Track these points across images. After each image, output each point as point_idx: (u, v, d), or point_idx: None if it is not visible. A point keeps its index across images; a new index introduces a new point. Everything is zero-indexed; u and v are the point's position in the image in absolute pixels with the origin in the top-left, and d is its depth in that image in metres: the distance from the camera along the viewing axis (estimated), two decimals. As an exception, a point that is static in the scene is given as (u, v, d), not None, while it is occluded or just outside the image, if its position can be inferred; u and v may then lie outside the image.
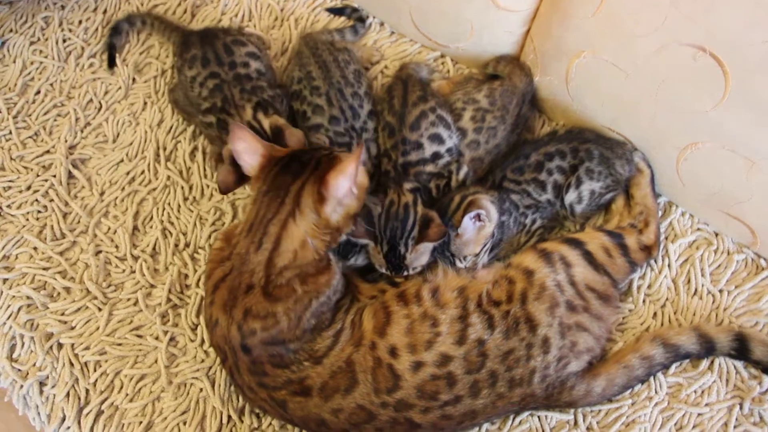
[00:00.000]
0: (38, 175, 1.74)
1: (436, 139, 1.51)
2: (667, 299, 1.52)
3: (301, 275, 1.30)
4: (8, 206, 1.70)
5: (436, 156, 1.50)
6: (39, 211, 1.70)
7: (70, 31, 1.92)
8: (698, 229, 1.57)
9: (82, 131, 1.79)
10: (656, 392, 1.42)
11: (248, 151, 1.34)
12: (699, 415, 1.41)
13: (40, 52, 1.90)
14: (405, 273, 1.42)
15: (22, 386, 1.55)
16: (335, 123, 1.56)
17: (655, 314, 1.50)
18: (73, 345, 1.57)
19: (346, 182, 1.25)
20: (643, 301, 1.52)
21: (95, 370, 1.54)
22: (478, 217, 1.35)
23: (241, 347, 1.30)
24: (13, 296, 1.61)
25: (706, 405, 1.42)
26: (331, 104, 1.57)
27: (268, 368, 1.30)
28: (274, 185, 1.31)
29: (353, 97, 1.60)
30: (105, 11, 1.94)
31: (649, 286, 1.53)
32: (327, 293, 1.33)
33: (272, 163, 1.34)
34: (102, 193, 1.71)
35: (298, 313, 1.29)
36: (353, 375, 1.27)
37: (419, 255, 1.40)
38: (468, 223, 1.35)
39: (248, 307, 1.29)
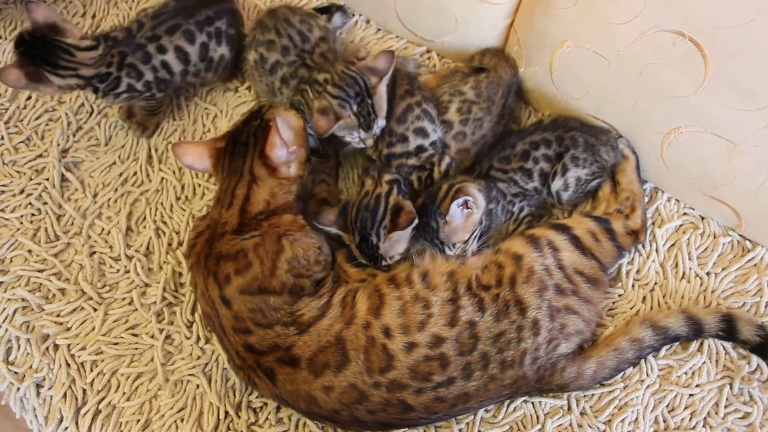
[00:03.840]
0: (31, 179, 1.75)
1: (421, 132, 1.52)
2: (655, 283, 1.54)
3: (267, 214, 1.41)
4: (2, 210, 1.72)
5: (419, 149, 1.52)
6: (33, 214, 1.71)
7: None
8: (684, 213, 1.60)
9: (74, 135, 1.81)
10: (648, 375, 1.44)
11: (197, 160, 1.47)
12: (690, 395, 1.44)
13: (30, 58, 1.91)
14: (383, 262, 1.44)
15: (19, 389, 1.56)
16: (286, 53, 1.61)
17: (644, 298, 1.53)
18: (69, 346, 1.58)
19: (281, 150, 1.39)
20: (632, 285, 1.54)
21: (92, 370, 1.56)
22: (465, 204, 1.37)
23: (221, 299, 1.34)
24: (9, 299, 1.62)
25: (697, 386, 1.44)
26: (279, 34, 1.62)
27: (251, 325, 1.33)
28: (230, 170, 1.44)
29: (301, 23, 1.64)
30: (94, 16, 1.96)
31: (638, 271, 1.55)
32: (300, 245, 1.39)
33: (220, 155, 1.46)
34: (95, 195, 1.73)
35: (270, 255, 1.35)
36: (344, 352, 1.29)
37: (394, 244, 1.42)
38: (456, 211, 1.37)
39: (220, 251, 1.36)
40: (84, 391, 1.55)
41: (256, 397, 1.51)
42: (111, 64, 1.59)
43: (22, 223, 1.70)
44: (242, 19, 1.79)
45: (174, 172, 1.74)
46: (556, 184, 1.50)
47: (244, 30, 1.79)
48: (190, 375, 1.54)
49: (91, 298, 1.61)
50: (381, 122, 1.49)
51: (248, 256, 1.34)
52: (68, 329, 1.60)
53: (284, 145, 1.38)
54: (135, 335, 1.58)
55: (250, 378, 1.38)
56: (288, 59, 1.61)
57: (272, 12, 1.68)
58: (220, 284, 1.34)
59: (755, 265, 1.54)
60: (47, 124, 1.82)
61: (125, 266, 1.64)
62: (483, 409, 1.43)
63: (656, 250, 1.56)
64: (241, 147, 1.44)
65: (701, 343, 1.46)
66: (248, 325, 1.33)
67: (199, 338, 1.56)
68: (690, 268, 1.54)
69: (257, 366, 1.34)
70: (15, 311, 1.62)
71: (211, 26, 1.67)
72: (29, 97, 1.86)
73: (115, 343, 1.58)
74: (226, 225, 1.39)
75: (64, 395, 1.54)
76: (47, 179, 1.74)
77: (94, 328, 1.59)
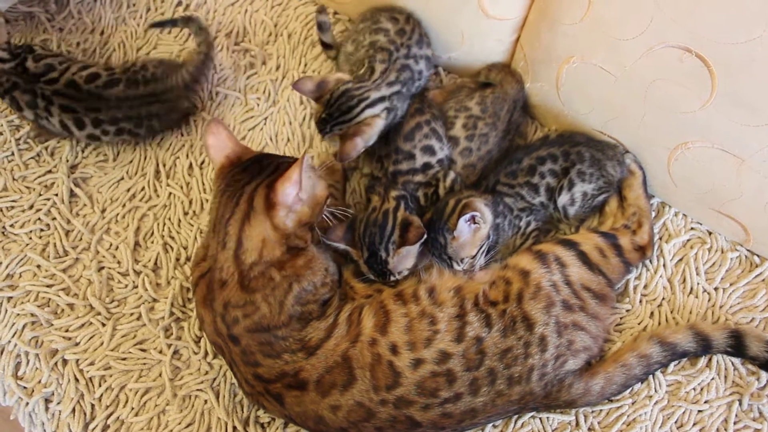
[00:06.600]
0: (41, 195, 1.76)
1: (428, 150, 1.53)
2: (663, 299, 1.54)
3: (277, 264, 1.33)
4: (11, 225, 1.73)
5: (426, 166, 1.53)
6: (42, 230, 1.72)
7: (69, 52, 1.94)
8: (692, 228, 1.59)
9: (83, 151, 1.82)
10: (656, 391, 1.43)
11: (216, 147, 1.41)
12: (699, 412, 1.43)
13: (40, 74, 1.92)
14: (391, 278, 1.44)
15: (27, 403, 1.56)
16: (391, 41, 1.62)
17: (652, 314, 1.52)
18: (77, 361, 1.58)
19: (292, 189, 1.29)
20: (640, 301, 1.53)
21: (100, 385, 1.56)
22: (473, 219, 1.38)
23: (229, 337, 1.34)
24: (18, 314, 1.63)
25: (706, 402, 1.43)
26: (395, 21, 1.65)
27: (260, 357, 1.32)
28: (231, 183, 1.37)
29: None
30: (102, 32, 1.97)
31: (646, 286, 1.54)
32: (309, 278, 1.36)
33: (235, 164, 1.40)
34: (103, 210, 1.74)
35: (278, 299, 1.32)
36: (350, 371, 1.29)
37: (402, 259, 1.43)
38: (463, 226, 1.37)
39: (227, 300, 1.33)
40: (92, 406, 1.55)
41: (264, 413, 1.51)
42: (2, 84, 1.68)
43: (31, 238, 1.71)
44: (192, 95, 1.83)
45: (182, 187, 1.74)
46: (563, 199, 1.50)
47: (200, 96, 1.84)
48: (198, 390, 1.54)
49: (99, 314, 1.62)
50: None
51: (256, 304, 1.32)
52: (77, 344, 1.60)
53: (298, 185, 1.29)
54: (143, 350, 1.59)
55: (260, 402, 1.38)
56: (386, 44, 1.61)
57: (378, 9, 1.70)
58: (228, 325, 1.33)
59: (763, 280, 1.53)
60: (58, 141, 1.83)
61: (133, 281, 1.65)
62: (491, 424, 1.42)
63: (664, 266, 1.55)
64: (257, 167, 1.38)
65: (710, 359, 1.45)
66: (257, 358, 1.32)
67: (206, 353, 1.56)
68: (698, 284, 1.54)
69: (266, 392, 1.34)
70: (24, 326, 1.62)
71: (115, 125, 1.70)
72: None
73: (124, 359, 1.58)
74: (223, 271, 1.34)
75: (73, 410, 1.54)
76: (56, 195, 1.75)
77: (102, 343, 1.59)
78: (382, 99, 1.52)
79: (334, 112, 1.49)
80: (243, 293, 1.32)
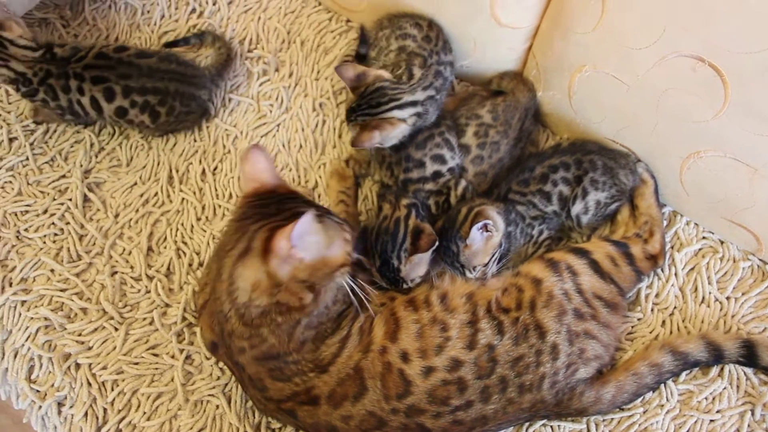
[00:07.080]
0: (54, 199, 1.77)
1: (438, 159, 1.54)
2: (675, 307, 1.53)
3: (275, 308, 1.24)
4: (25, 230, 1.73)
5: (436, 175, 1.53)
6: (55, 234, 1.73)
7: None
8: (703, 237, 1.59)
9: (96, 156, 1.83)
10: (667, 400, 1.43)
11: (248, 176, 1.31)
12: (711, 421, 1.42)
13: (55, 80, 1.94)
14: (404, 286, 1.45)
15: (40, 407, 1.57)
16: (421, 47, 1.63)
17: (663, 322, 1.52)
18: (90, 365, 1.59)
19: (285, 244, 1.15)
20: (652, 309, 1.53)
21: (113, 390, 1.56)
22: (485, 227, 1.38)
23: (236, 365, 1.33)
24: (31, 318, 1.63)
25: (718, 411, 1.43)
26: (419, 28, 1.66)
27: (268, 382, 1.31)
28: (246, 215, 1.27)
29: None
30: (116, 39, 1.98)
31: (657, 295, 1.54)
32: (319, 303, 1.29)
33: (258, 197, 1.29)
34: (117, 215, 1.74)
35: (287, 331, 1.27)
36: (362, 382, 1.29)
37: (415, 266, 1.43)
38: (476, 234, 1.38)
39: (231, 331, 1.29)
40: (105, 410, 1.55)
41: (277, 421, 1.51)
42: (36, 74, 1.70)
43: (45, 242, 1.72)
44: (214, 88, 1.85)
45: (194, 193, 1.75)
46: (576, 208, 1.51)
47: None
48: (209, 395, 1.54)
49: (112, 318, 1.62)
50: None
51: (262, 336, 1.27)
52: (90, 348, 1.60)
53: (289, 242, 1.15)
54: (155, 355, 1.59)
55: (273, 416, 1.40)
56: (418, 49, 1.63)
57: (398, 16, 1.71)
58: (233, 352, 1.31)
59: (776, 290, 1.53)
60: (72, 146, 1.84)
61: (146, 286, 1.66)
62: (501, 432, 1.43)
63: (675, 275, 1.55)
64: (276, 207, 1.26)
65: (721, 369, 1.45)
66: (265, 384, 1.31)
67: (218, 359, 1.57)
68: (710, 293, 1.53)
69: (278, 409, 1.34)
70: (38, 330, 1.62)
71: (143, 96, 1.71)
72: (54, 119, 1.89)
73: (136, 363, 1.58)
74: (222, 304, 1.27)
75: (86, 414, 1.55)
76: (70, 199, 1.76)
77: (115, 348, 1.60)
78: (414, 104, 1.52)
79: (363, 104, 1.51)
80: (246, 327, 1.27)
